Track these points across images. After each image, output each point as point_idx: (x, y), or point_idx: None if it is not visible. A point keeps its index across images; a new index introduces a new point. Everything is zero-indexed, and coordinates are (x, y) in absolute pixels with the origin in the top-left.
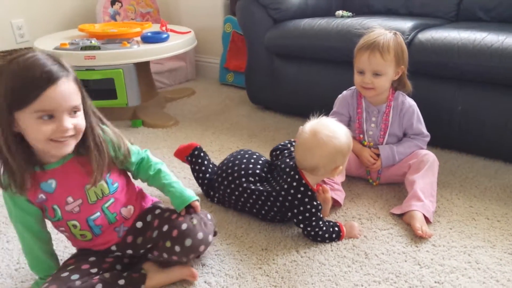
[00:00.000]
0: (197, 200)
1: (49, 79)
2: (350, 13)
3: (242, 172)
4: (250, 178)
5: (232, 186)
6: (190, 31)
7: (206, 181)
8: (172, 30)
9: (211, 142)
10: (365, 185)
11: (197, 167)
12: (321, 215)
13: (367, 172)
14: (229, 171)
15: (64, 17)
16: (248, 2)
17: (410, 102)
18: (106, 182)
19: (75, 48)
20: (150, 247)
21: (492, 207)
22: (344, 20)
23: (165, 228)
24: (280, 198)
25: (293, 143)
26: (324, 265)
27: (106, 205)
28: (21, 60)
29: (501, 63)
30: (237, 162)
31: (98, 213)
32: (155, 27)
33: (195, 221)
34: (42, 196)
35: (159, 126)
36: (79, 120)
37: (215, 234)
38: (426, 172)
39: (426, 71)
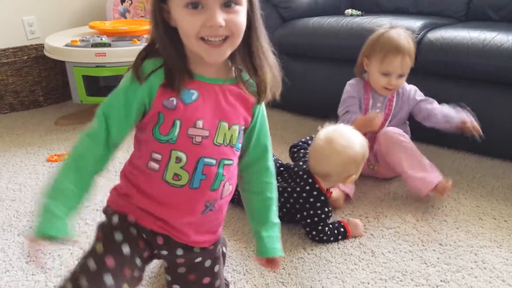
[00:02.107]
0: (280, 256)
1: None
2: (360, 11)
3: None
4: None
5: None
6: None
7: None
8: None
9: None
10: (373, 183)
11: None
12: (329, 221)
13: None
14: None
15: (75, 14)
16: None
17: (405, 85)
18: (238, 133)
19: (86, 45)
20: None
21: (499, 207)
22: (353, 18)
23: None
24: (291, 200)
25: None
26: (331, 263)
27: (225, 161)
28: None
29: (511, 63)
30: None
31: (214, 162)
32: None
33: None
34: (173, 100)
35: None
36: (236, 17)
37: (227, 286)
38: (400, 154)
39: (436, 71)
